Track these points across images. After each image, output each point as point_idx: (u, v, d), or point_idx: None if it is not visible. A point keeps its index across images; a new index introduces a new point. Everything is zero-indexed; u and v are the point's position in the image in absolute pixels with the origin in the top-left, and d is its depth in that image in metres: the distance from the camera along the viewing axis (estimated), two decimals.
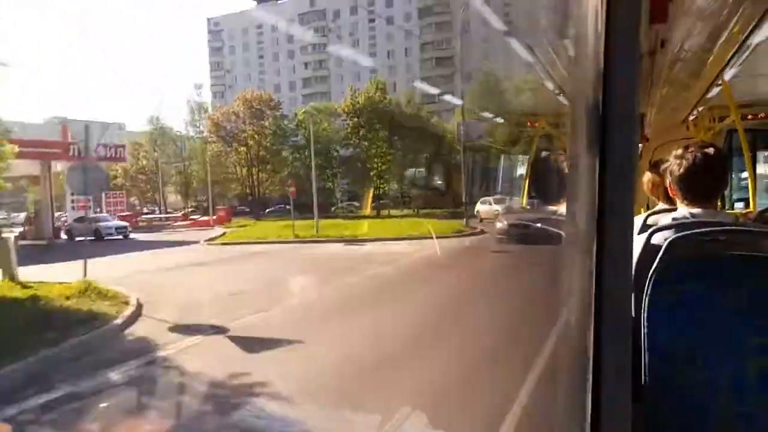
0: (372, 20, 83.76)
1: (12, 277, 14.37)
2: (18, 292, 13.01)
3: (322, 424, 5.54)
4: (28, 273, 15.12)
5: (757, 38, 5.86)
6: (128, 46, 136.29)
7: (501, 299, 11.09)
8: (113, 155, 41.65)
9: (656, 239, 2.28)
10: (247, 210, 58.93)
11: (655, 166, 3.95)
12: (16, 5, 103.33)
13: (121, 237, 35.54)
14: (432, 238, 26.00)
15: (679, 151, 2.53)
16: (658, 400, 2.05)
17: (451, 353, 7.90)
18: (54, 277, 14.33)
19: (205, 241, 31.20)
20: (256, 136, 57.93)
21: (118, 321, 10.83)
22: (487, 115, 43.24)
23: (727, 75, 7.48)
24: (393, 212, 51.61)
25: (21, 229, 35.19)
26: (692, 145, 2.54)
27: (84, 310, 11.33)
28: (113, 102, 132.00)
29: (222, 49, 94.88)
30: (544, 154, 11.81)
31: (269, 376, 7.41)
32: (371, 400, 6.39)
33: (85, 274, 13.98)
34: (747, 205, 8.93)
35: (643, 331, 2.07)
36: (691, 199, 2.50)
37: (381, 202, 54.24)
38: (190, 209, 60.18)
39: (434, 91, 68.99)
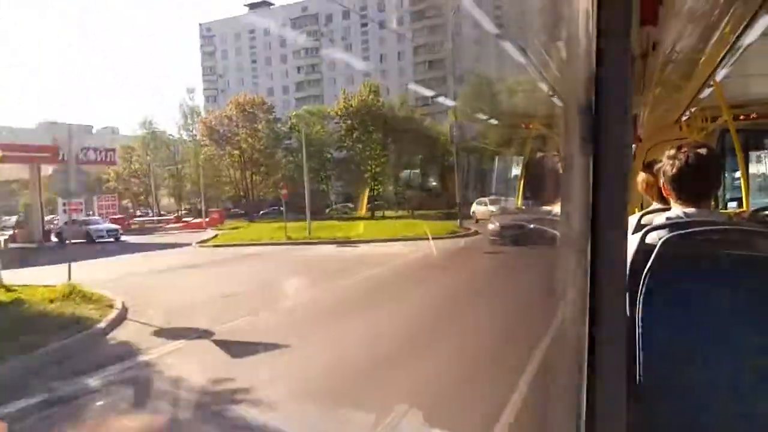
0: (364, 24, 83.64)
1: None
2: (1, 296, 12.85)
3: None
4: (14, 276, 15.02)
5: (748, 39, 5.88)
6: (121, 51, 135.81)
7: (495, 300, 11.06)
8: (103, 159, 41.60)
9: (650, 239, 2.29)
10: (241, 212, 58.85)
11: (648, 167, 3.96)
12: (16, 5, 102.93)
13: (112, 240, 35.49)
14: (425, 239, 25.99)
15: (672, 152, 2.54)
16: (653, 399, 2.06)
17: (445, 355, 7.82)
18: (41, 280, 14.22)
19: (197, 243, 31.19)
20: (249, 139, 57.88)
21: (102, 325, 10.67)
22: (481, 116, 43.26)
23: (719, 76, 7.51)
24: (388, 213, 51.57)
25: (11, 232, 35.11)
26: (685, 145, 2.55)
27: (67, 313, 11.20)
28: (106, 106, 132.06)
29: (214, 54, 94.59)
30: (538, 155, 11.83)
31: (252, 382, 7.30)
32: (361, 404, 6.30)
33: (69, 277, 13.79)
34: (740, 205, 8.96)
35: (638, 330, 2.08)
36: (684, 199, 2.51)
37: (375, 203, 54.21)
38: (184, 212, 60.11)
39: (427, 93, 69.02)
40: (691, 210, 2.46)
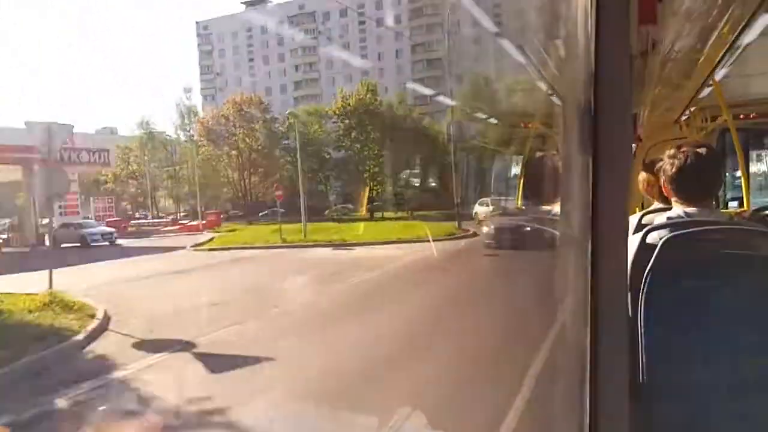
0: (362, 22, 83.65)
1: None
2: None
3: None
4: (1, 283, 14.71)
5: (746, 38, 5.89)
6: (118, 51, 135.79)
7: (494, 303, 10.90)
8: (97, 160, 41.51)
9: (651, 238, 2.29)
10: (240, 213, 58.73)
11: (649, 166, 3.96)
12: (16, 5, 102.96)
13: (107, 243, 35.03)
14: (423, 241, 25.88)
15: (673, 151, 2.54)
16: (655, 399, 2.05)
17: (443, 361, 7.72)
18: (28, 287, 13.64)
19: (191, 246, 30.91)
20: (246, 139, 57.92)
21: (80, 337, 10.25)
22: (479, 115, 43.19)
23: (718, 75, 7.52)
24: (387, 214, 51.46)
25: (5, 236, 34.94)
26: (685, 144, 2.55)
27: (45, 324, 10.72)
28: (104, 106, 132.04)
29: (212, 53, 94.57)
30: (538, 154, 11.81)
31: (234, 398, 7.08)
32: (354, 418, 5.96)
33: (50, 285, 13.25)
34: (741, 204, 8.96)
35: (640, 330, 2.08)
36: (685, 199, 2.50)
37: (375, 204, 54.15)
38: (183, 213, 60.03)
39: (426, 92, 68.99)
40: (691, 209, 2.45)
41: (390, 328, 10.16)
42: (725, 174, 9.76)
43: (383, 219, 48.25)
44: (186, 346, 9.68)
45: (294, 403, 6.78)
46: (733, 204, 9.48)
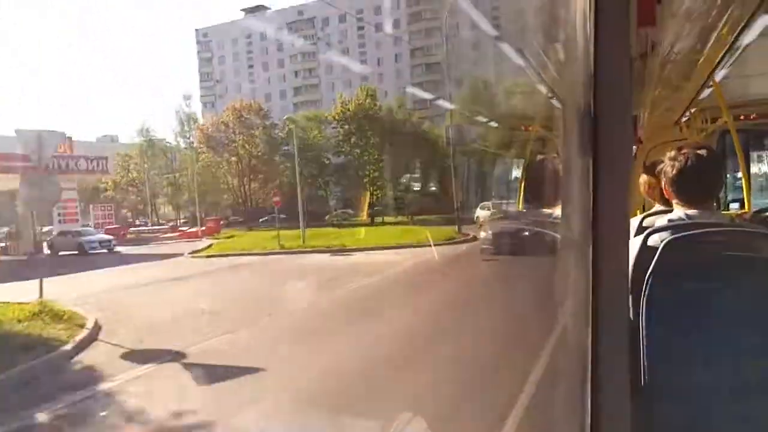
0: (361, 27, 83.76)
1: None
2: None
3: None
4: None
5: (746, 39, 5.89)
6: (118, 59, 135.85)
7: (494, 307, 10.71)
8: (95, 168, 41.54)
9: (652, 241, 2.29)
10: (241, 220, 58.73)
11: (650, 168, 3.96)
12: (16, 5, 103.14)
13: (105, 251, 35.03)
14: (422, 246, 25.82)
15: (673, 153, 2.54)
16: (656, 401, 2.05)
17: (440, 367, 7.62)
18: (21, 296, 13.42)
19: (189, 253, 30.88)
20: (246, 145, 57.97)
21: (68, 347, 10.05)
22: (480, 119, 43.21)
23: (718, 76, 7.52)
24: (387, 219, 51.40)
25: (2, 244, 34.86)
26: (686, 146, 2.54)
27: (33, 334, 10.54)
28: (105, 114, 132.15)
29: (211, 60, 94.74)
30: (539, 157, 11.80)
31: (219, 411, 6.97)
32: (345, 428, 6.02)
33: (41, 294, 12.97)
34: (742, 206, 8.95)
35: (641, 332, 2.08)
36: (686, 201, 2.50)
37: (375, 209, 54.10)
38: (183, 220, 60.04)
39: (425, 96, 68.98)
40: (693, 212, 2.45)
41: (386, 336, 9.96)
42: (726, 176, 9.76)
43: (383, 224, 48.17)
44: (175, 356, 9.48)
45: (283, 414, 6.71)
46: (734, 206, 9.48)
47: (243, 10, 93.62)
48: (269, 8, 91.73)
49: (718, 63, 6.84)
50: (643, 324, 2.08)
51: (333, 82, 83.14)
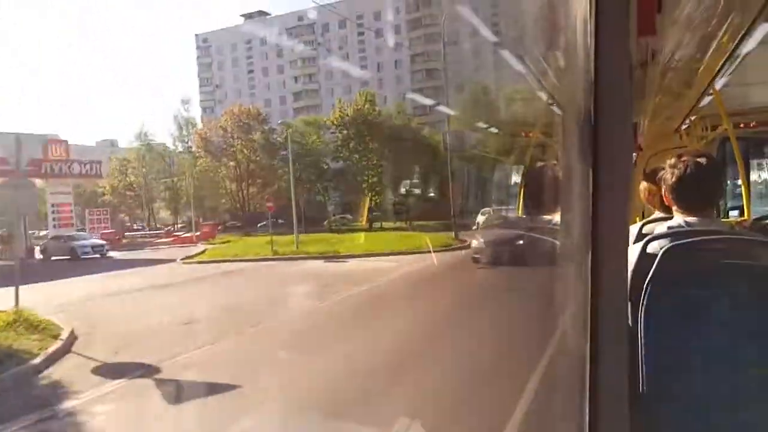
0: (361, 33, 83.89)
1: None
2: None
3: None
4: None
5: (746, 48, 5.91)
6: (118, 64, 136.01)
7: (488, 318, 10.48)
8: (89, 172, 41.54)
9: (652, 248, 2.29)
10: (238, 225, 58.59)
11: (651, 175, 3.96)
12: (16, 5, 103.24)
13: (97, 256, 34.53)
14: (417, 252, 25.67)
15: (673, 160, 2.54)
16: (655, 408, 2.05)
17: (426, 382, 7.32)
18: (5, 303, 12.64)
19: (182, 259, 30.59)
20: (244, 150, 57.95)
21: (37, 360, 9.55)
22: (480, 125, 43.20)
23: (718, 84, 7.54)
24: (386, 224, 51.31)
25: None
26: (686, 154, 2.54)
27: (3, 346, 10.02)
28: (104, 118, 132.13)
29: (211, 65, 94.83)
30: (539, 164, 11.81)
31: None
32: None
33: (16, 303, 12.46)
34: (741, 213, 8.96)
35: (640, 340, 2.08)
36: (685, 208, 2.50)
37: (374, 214, 54.04)
38: (180, 225, 60.00)
39: (426, 102, 69.04)
40: (692, 219, 2.45)
41: (372, 350, 9.52)
42: (726, 183, 9.77)
43: (382, 229, 48.04)
44: (148, 371, 8.94)
45: None
46: (734, 213, 9.49)
47: (243, 15, 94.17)
48: (269, 14, 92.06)
49: (719, 71, 6.87)
50: (642, 331, 2.08)
51: (333, 87, 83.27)
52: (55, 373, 9.30)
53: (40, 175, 37.69)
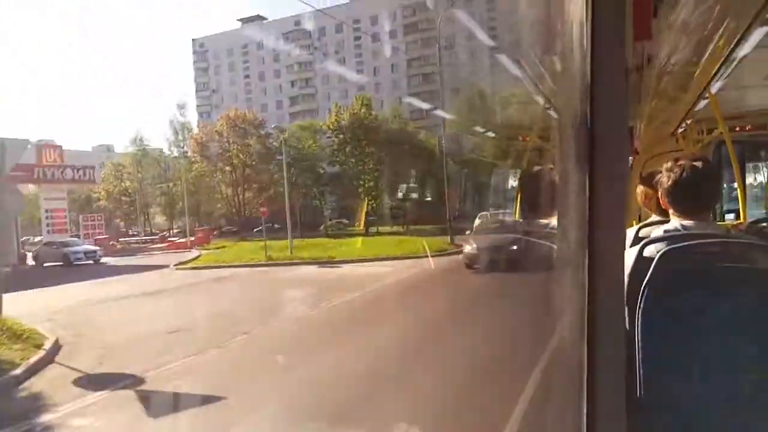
0: (358, 38, 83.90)
1: None
2: None
3: None
4: None
5: (742, 51, 5.92)
6: (114, 69, 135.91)
7: (483, 324, 10.51)
8: (82, 177, 41.45)
9: (648, 251, 2.29)
10: (234, 230, 58.45)
11: (647, 179, 3.96)
12: (16, 5, 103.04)
13: (90, 262, 34.33)
14: (411, 257, 25.66)
15: (669, 164, 2.54)
16: (653, 412, 2.05)
17: (418, 392, 7.20)
18: None
19: (175, 265, 30.34)
20: (240, 155, 57.83)
21: (17, 371, 9.28)
22: (477, 129, 43.21)
23: (714, 88, 7.56)
24: (382, 229, 51.21)
25: None
26: (682, 157, 2.55)
27: None
28: (101, 124, 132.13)
29: (208, 70, 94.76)
30: (535, 168, 11.81)
31: None
32: None
33: None
34: (737, 216, 8.97)
35: (637, 343, 2.08)
36: (682, 211, 2.50)
37: (371, 218, 53.95)
38: (176, 230, 59.86)
39: (422, 106, 69.01)
40: (689, 222, 2.45)
41: (361, 358, 9.39)
42: (722, 186, 9.79)
43: (378, 234, 47.97)
44: (132, 382, 8.69)
45: None
46: (730, 216, 9.50)
47: (239, 20, 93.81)
48: (266, 18, 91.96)
49: (714, 75, 6.88)
50: (639, 335, 2.08)
51: (329, 91, 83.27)
52: (35, 384, 9.06)
53: (32, 180, 37.75)
